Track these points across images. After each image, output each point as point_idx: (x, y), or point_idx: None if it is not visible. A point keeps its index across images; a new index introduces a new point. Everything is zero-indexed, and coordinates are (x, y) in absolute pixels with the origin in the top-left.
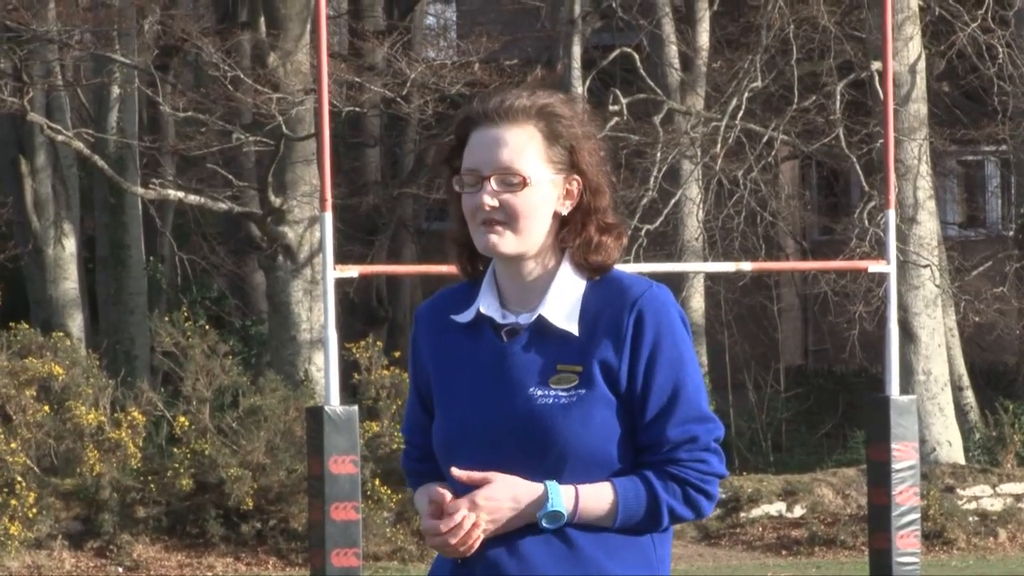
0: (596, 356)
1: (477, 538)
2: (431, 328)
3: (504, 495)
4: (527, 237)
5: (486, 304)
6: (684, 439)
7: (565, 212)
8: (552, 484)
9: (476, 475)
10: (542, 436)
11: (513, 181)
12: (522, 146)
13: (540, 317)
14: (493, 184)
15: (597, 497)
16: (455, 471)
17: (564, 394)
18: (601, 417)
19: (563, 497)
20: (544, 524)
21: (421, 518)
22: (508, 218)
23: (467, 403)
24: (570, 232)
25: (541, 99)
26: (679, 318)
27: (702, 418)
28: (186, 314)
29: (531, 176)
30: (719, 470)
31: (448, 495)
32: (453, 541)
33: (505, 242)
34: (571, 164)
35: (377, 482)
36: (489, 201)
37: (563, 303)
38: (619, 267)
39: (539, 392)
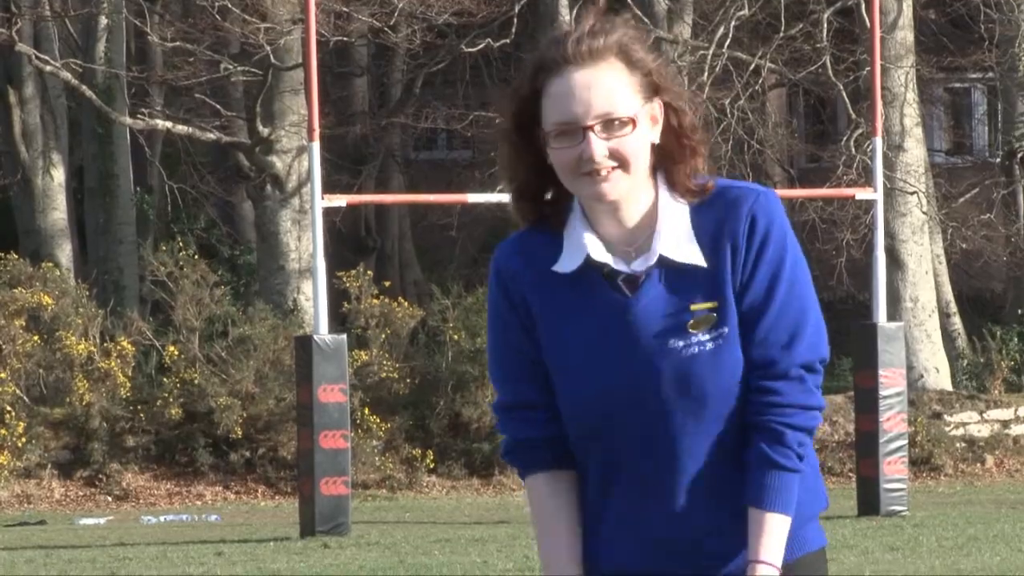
0: (726, 283)
1: None
2: (527, 277)
3: None
4: (635, 177)
5: (595, 250)
6: (764, 362)
7: (658, 140)
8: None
9: None
10: (698, 391)
11: (620, 124)
12: (614, 85)
13: (661, 257)
14: (598, 132)
15: (782, 540)
16: None
17: (708, 338)
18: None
19: None
20: None
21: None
22: (620, 163)
23: (600, 368)
24: (664, 159)
25: (613, 32)
26: (786, 221)
27: (791, 339)
28: (180, 244)
29: (636, 115)
30: (795, 399)
31: None
32: None
33: (618, 188)
34: (653, 89)
35: (366, 411)
36: (600, 148)
37: (677, 235)
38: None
39: (680, 343)
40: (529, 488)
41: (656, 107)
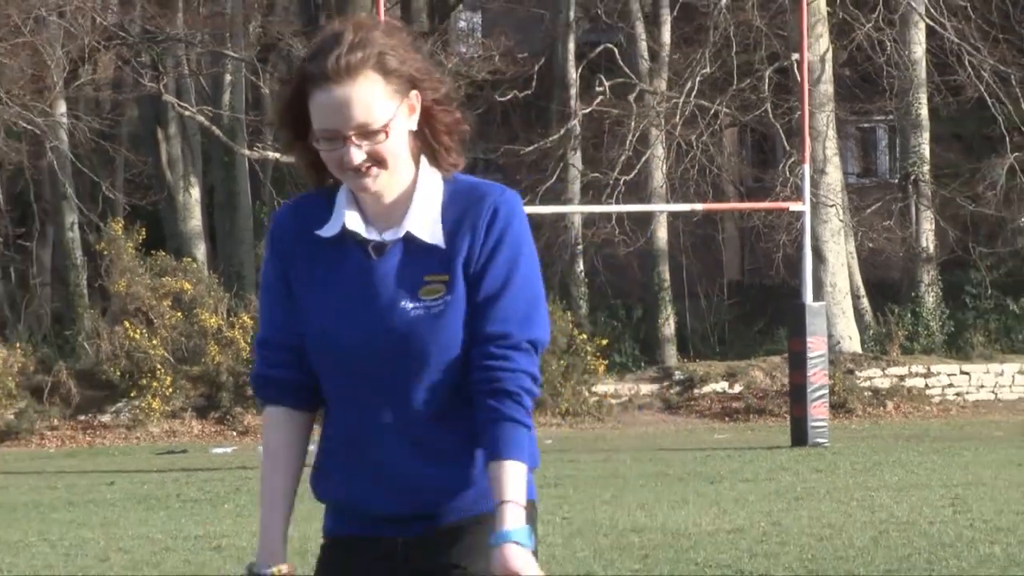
0: (458, 261)
1: None
2: (297, 234)
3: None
4: (395, 170)
5: (351, 220)
6: (498, 334)
7: (414, 127)
8: (521, 533)
9: None
10: (419, 347)
11: (374, 133)
12: (370, 99)
13: (408, 233)
14: (356, 140)
15: (523, 485)
16: None
17: (433, 303)
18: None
19: (527, 525)
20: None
21: (263, 452)
22: (377, 163)
23: (341, 319)
24: (425, 141)
25: (369, 46)
26: (525, 219)
27: (525, 318)
28: None
29: (390, 123)
30: (525, 367)
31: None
32: None
33: (379, 182)
34: (409, 83)
35: None
36: (358, 156)
37: (426, 216)
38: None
39: (410, 305)
40: (265, 420)
41: (413, 98)
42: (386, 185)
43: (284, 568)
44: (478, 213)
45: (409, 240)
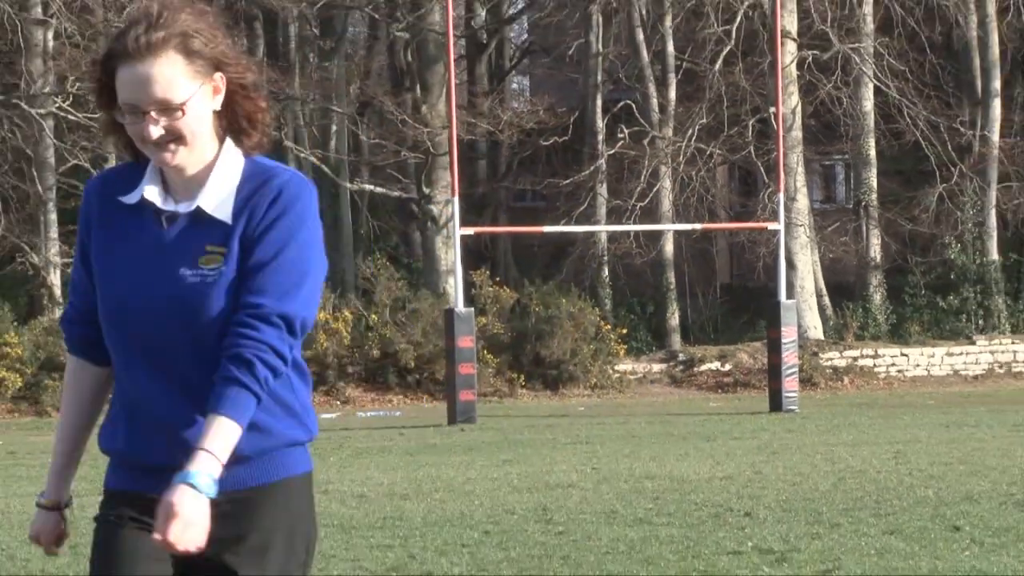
0: (237, 235)
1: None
2: (101, 202)
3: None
4: (195, 146)
5: (149, 191)
6: (252, 304)
7: (218, 107)
8: (199, 480)
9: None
10: (194, 312)
11: (173, 110)
12: (169, 77)
13: (197, 207)
14: (155, 116)
15: (229, 442)
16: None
17: (210, 272)
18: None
19: (215, 476)
20: (212, 493)
21: (65, 388)
22: (176, 138)
23: (127, 282)
24: (231, 120)
25: (174, 26)
26: (311, 205)
27: (283, 293)
28: (378, 255)
29: (187, 100)
30: (269, 339)
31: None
32: None
33: (178, 157)
34: (214, 65)
35: (485, 351)
36: (156, 131)
37: (219, 193)
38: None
39: (188, 272)
40: (67, 367)
41: (218, 79)
42: (186, 160)
43: (59, 500)
44: (264, 193)
45: (198, 213)
